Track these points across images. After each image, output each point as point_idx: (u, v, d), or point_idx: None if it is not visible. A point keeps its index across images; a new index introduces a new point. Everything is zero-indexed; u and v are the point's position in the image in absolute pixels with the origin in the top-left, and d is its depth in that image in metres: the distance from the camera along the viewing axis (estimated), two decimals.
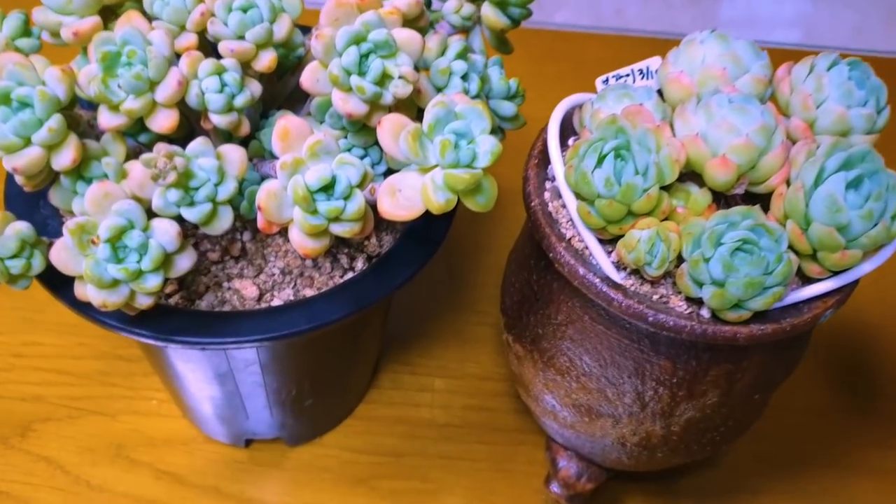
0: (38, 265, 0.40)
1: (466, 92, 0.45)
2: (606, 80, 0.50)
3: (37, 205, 0.47)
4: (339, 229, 0.39)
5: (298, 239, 0.39)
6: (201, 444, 0.62)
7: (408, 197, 0.39)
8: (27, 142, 0.39)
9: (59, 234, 0.45)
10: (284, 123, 0.38)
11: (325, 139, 0.38)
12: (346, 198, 0.38)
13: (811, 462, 0.65)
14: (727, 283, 0.39)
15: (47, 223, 0.47)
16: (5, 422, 0.62)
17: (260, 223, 0.39)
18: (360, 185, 0.39)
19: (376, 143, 0.44)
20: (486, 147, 0.38)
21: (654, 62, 0.49)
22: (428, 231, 0.49)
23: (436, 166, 0.39)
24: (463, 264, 0.75)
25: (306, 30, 0.53)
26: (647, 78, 0.49)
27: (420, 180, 0.39)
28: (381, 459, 0.63)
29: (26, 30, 0.47)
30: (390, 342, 0.69)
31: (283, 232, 0.44)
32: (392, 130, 0.38)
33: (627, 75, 0.50)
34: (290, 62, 0.49)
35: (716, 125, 0.42)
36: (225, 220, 0.40)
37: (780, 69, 0.47)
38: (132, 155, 0.43)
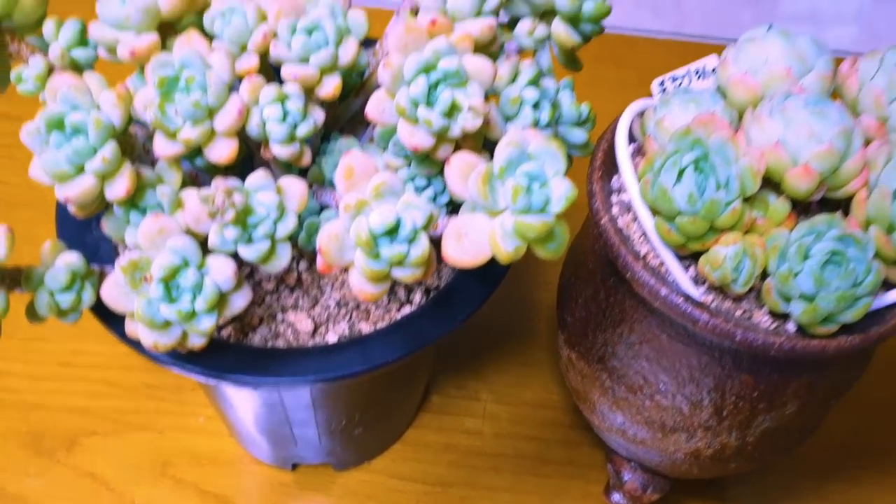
0: (88, 299, 0.39)
1: (537, 122, 0.43)
2: (662, 83, 0.48)
3: (89, 224, 0.46)
4: (400, 274, 0.37)
5: (358, 283, 0.37)
6: (247, 464, 0.61)
7: (474, 242, 0.37)
8: (80, 170, 0.37)
9: (110, 259, 0.44)
10: (349, 161, 0.36)
11: (391, 179, 0.36)
12: (411, 241, 0.36)
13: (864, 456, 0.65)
14: (818, 297, 0.38)
15: (99, 245, 0.45)
16: (52, 434, 0.61)
17: (319, 265, 0.36)
18: (426, 228, 0.36)
19: (441, 172, 0.42)
20: (561, 192, 0.35)
21: (710, 61, 0.47)
22: (489, 264, 0.46)
23: (505, 210, 0.36)
24: (518, 281, 0.72)
25: (370, 42, 0.51)
26: (703, 78, 0.48)
27: (488, 225, 0.36)
28: (428, 489, 0.61)
29: (83, 39, 0.45)
30: (443, 363, 0.67)
31: None
32: (461, 171, 0.36)
33: (684, 76, 0.48)
34: (354, 82, 0.47)
35: (795, 132, 0.40)
36: (283, 258, 0.38)
37: (843, 64, 0.45)
38: (188, 181, 0.41)
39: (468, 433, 0.64)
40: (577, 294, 0.51)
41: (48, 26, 0.45)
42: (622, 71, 0.88)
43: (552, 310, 0.56)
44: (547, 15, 0.49)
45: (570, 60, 0.52)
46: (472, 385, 0.66)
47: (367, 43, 0.51)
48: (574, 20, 0.49)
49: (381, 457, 0.62)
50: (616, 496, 0.57)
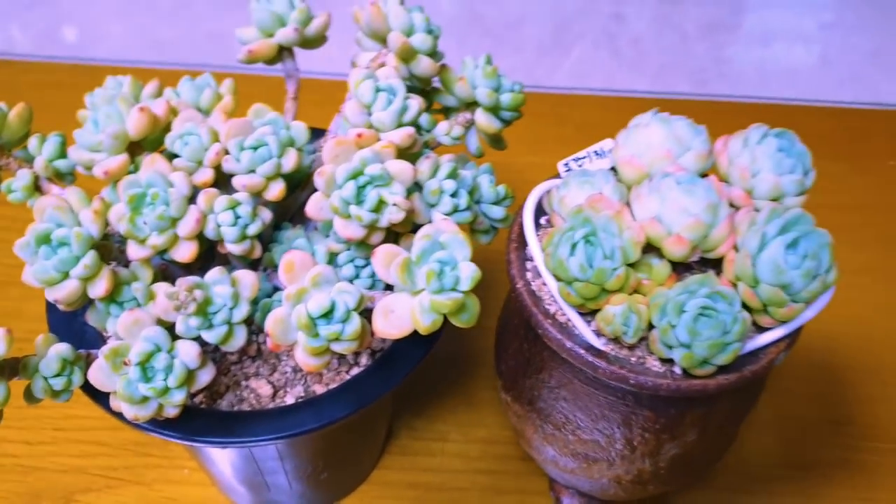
0: (77, 381, 0.46)
1: (457, 207, 0.50)
2: (567, 164, 0.55)
3: (75, 313, 0.53)
4: (339, 347, 0.44)
5: (302, 358, 0.44)
6: None
7: (399, 317, 0.44)
8: (65, 276, 0.44)
9: (95, 341, 0.51)
10: (290, 258, 0.43)
11: (326, 270, 0.43)
12: (345, 321, 0.43)
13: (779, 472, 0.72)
14: (693, 345, 0.45)
15: (85, 331, 0.52)
16: (49, 493, 0.68)
17: (269, 345, 0.44)
18: (357, 308, 0.44)
19: None
20: (468, 273, 0.43)
21: (606, 143, 0.55)
22: None
23: (423, 290, 0.43)
24: (473, 328, 0.79)
25: (318, 133, 0.58)
26: (602, 158, 0.55)
27: (410, 303, 0.44)
28: None
29: (63, 152, 0.52)
30: (401, 409, 0.74)
31: None
32: (384, 260, 0.43)
33: (585, 157, 0.55)
34: (302, 177, 0.54)
35: (668, 207, 0.47)
36: (240, 338, 0.45)
37: (717, 142, 0.52)
38: (159, 274, 0.49)
39: (430, 471, 0.71)
40: (507, 346, 0.58)
41: (32, 141, 0.52)
42: (562, 129, 0.96)
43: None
44: (472, 105, 0.57)
45: (495, 141, 0.59)
46: (433, 427, 0.73)
47: (317, 134, 0.58)
48: (494, 110, 0.56)
49: (350, 497, 0.68)
50: None
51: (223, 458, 0.58)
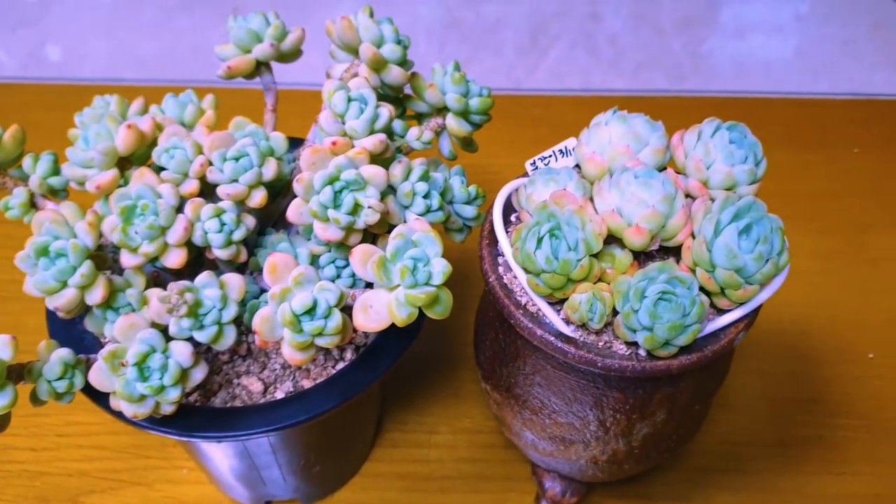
0: (79, 383, 0.49)
1: (429, 208, 0.53)
2: (534, 163, 0.58)
3: (73, 319, 0.56)
4: (322, 342, 0.47)
5: (289, 353, 0.47)
6: None
7: (377, 312, 0.47)
8: (64, 285, 0.47)
9: (94, 346, 0.54)
10: (273, 260, 0.46)
11: (307, 270, 0.46)
12: (327, 317, 0.46)
13: (755, 450, 0.75)
14: (654, 328, 0.48)
15: (84, 337, 0.55)
16: (55, 497, 0.71)
17: (257, 342, 0.47)
18: (338, 305, 0.47)
19: None
20: (439, 268, 0.46)
21: (570, 142, 0.58)
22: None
23: (398, 286, 0.47)
24: (454, 324, 0.83)
25: (298, 142, 0.61)
26: (567, 156, 0.58)
27: (387, 298, 0.47)
28: None
29: (56, 169, 0.55)
30: (390, 403, 0.77)
31: None
32: (361, 259, 0.46)
33: (550, 156, 0.58)
34: (283, 184, 0.57)
35: (627, 200, 0.50)
36: (229, 337, 0.48)
37: (674, 137, 0.55)
38: (151, 280, 0.52)
39: (418, 461, 0.74)
40: (484, 337, 0.61)
41: (26, 161, 0.55)
42: (538, 129, 0.99)
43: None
44: (443, 110, 0.60)
45: (466, 144, 0.63)
46: (420, 419, 0.76)
47: (296, 143, 0.61)
48: (463, 114, 0.59)
49: (343, 489, 0.72)
50: (544, 503, 0.67)
51: (219, 455, 0.61)
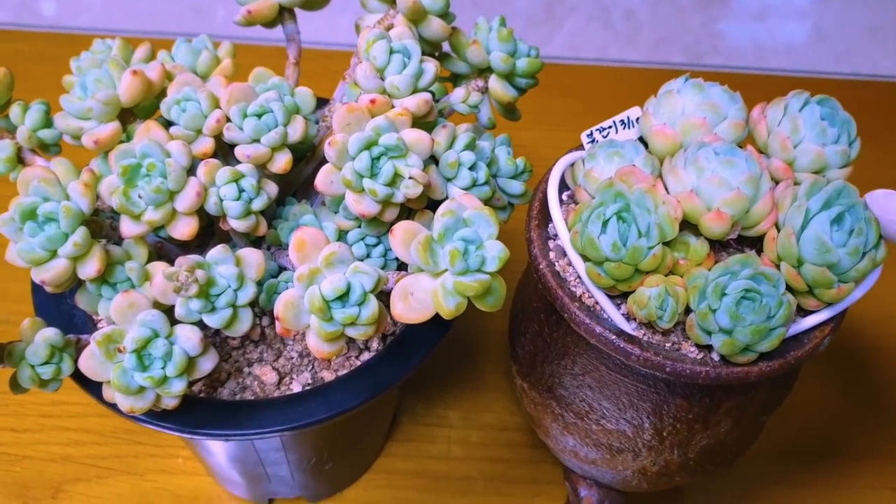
0: (67, 369, 0.42)
1: (475, 181, 0.47)
2: (591, 135, 0.52)
3: (63, 295, 0.49)
4: (354, 333, 0.40)
5: (315, 344, 0.40)
6: (226, 501, 0.64)
7: (419, 300, 0.40)
8: (53, 255, 0.40)
9: (85, 325, 0.47)
10: (301, 235, 0.39)
11: (340, 249, 0.39)
12: (361, 304, 0.40)
13: (803, 460, 0.69)
14: (735, 331, 0.42)
15: (74, 314, 0.48)
16: (37, 483, 0.64)
17: (278, 329, 0.40)
18: (374, 290, 0.40)
19: (389, 230, 0.46)
20: (494, 252, 0.39)
21: (633, 112, 0.51)
22: None
23: (446, 271, 0.40)
24: (476, 311, 0.76)
25: (323, 102, 0.54)
26: (629, 128, 0.51)
27: (431, 284, 0.40)
28: None
29: (48, 120, 0.48)
30: (407, 394, 0.70)
31: None
32: (404, 239, 0.40)
33: (610, 127, 0.52)
34: (306, 149, 0.50)
35: (707, 180, 0.44)
36: (245, 322, 0.42)
37: (754, 110, 0.49)
38: (154, 252, 0.45)
39: (436, 458, 0.68)
40: (524, 329, 0.54)
41: (14, 110, 0.48)
42: (569, 101, 0.92)
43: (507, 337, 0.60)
44: (485, 72, 0.53)
45: (509, 111, 0.56)
46: (438, 412, 0.70)
47: (323, 102, 0.54)
48: (509, 77, 0.53)
49: (353, 486, 0.65)
50: None
51: (220, 449, 0.55)
